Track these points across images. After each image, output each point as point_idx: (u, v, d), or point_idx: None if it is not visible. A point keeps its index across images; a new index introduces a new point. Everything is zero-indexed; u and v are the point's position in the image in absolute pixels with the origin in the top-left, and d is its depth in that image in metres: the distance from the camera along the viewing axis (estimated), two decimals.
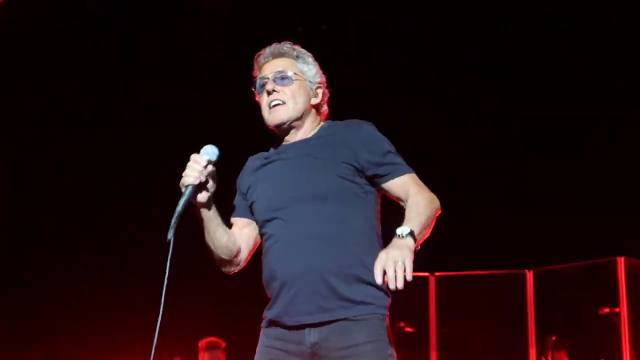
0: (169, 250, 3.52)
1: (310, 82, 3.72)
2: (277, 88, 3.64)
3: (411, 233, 3.22)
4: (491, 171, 9.10)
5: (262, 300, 3.58)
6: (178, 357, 9.06)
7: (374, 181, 3.53)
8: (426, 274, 9.24)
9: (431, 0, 9.49)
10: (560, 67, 9.44)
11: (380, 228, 3.55)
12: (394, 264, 3.09)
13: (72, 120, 10.10)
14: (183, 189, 3.54)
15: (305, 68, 3.73)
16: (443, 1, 9.51)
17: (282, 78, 3.67)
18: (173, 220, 3.53)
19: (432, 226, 3.40)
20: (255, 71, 3.80)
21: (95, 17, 9.78)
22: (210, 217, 3.62)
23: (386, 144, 3.56)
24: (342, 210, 3.45)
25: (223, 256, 3.67)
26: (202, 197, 3.56)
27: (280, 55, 3.76)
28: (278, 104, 3.63)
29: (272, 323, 3.50)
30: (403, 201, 3.47)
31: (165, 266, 3.61)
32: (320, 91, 3.74)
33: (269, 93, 3.65)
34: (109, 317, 9.86)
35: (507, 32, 9.43)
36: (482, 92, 9.61)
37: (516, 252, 9.55)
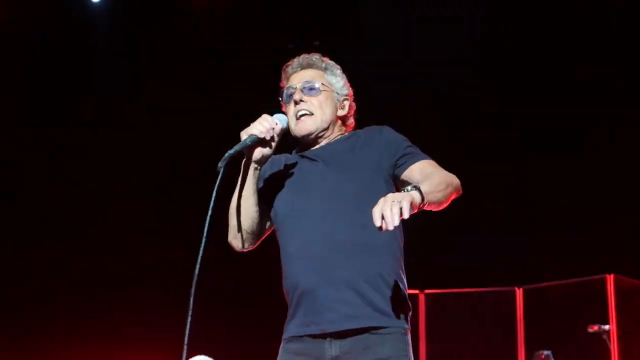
0: (216, 180, 3.38)
1: (337, 93, 3.73)
2: (305, 98, 3.64)
3: (417, 188, 3.19)
4: (489, 172, 9.07)
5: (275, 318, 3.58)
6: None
7: (395, 177, 3.53)
8: (416, 291, 9.23)
9: (431, 0, 9.54)
10: (560, 67, 9.43)
11: (403, 238, 3.54)
12: (390, 204, 3.04)
13: (73, 120, 10.11)
14: (243, 137, 3.47)
15: (333, 80, 3.73)
16: (443, 1, 9.54)
17: (310, 88, 3.67)
18: (226, 155, 3.40)
19: (448, 197, 3.37)
20: (282, 81, 3.80)
21: (94, 16, 9.80)
22: (252, 179, 3.53)
23: (405, 141, 3.58)
24: (366, 218, 3.30)
25: (244, 226, 3.59)
26: (257, 153, 3.49)
27: (309, 66, 3.75)
28: (305, 114, 3.62)
29: (294, 335, 3.44)
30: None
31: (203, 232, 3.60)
32: (347, 103, 3.75)
33: (296, 103, 3.65)
34: (109, 318, 9.84)
35: (507, 32, 9.43)
36: (482, 92, 9.60)
37: (506, 269, 9.56)
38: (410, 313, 3.47)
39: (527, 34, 9.49)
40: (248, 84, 9.74)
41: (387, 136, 3.59)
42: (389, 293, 3.38)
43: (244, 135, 3.48)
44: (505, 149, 9.74)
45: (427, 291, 9.39)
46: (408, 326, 3.43)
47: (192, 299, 3.33)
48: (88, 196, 10.08)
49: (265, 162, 3.55)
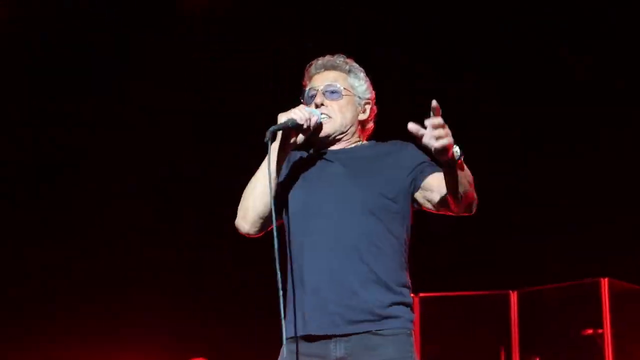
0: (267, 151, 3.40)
1: (359, 97, 3.71)
2: (326, 102, 3.63)
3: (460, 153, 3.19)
4: (486, 173, 8.99)
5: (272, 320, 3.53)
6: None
7: (415, 191, 3.51)
8: (411, 295, 9.22)
9: (431, 0, 9.51)
10: (560, 67, 9.44)
11: (408, 243, 3.56)
12: (445, 131, 3.05)
13: (72, 120, 10.10)
14: (282, 119, 3.44)
15: (356, 83, 3.71)
16: (443, 1, 9.51)
17: (331, 92, 3.65)
18: (271, 129, 3.39)
19: (471, 192, 3.34)
20: (305, 80, 3.77)
21: (89, 17, 9.82)
22: (277, 164, 3.48)
23: (427, 158, 3.51)
24: (378, 226, 3.43)
25: (257, 209, 3.52)
26: (292, 138, 3.50)
27: (333, 67, 3.72)
28: (325, 118, 3.60)
29: (295, 335, 3.42)
30: (437, 190, 3.43)
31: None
32: (368, 107, 3.74)
33: (317, 106, 3.62)
34: (109, 318, 9.86)
35: (507, 32, 9.41)
36: (482, 92, 9.62)
37: (500, 273, 9.55)
38: (414, 315, 3.50)
39: (527, 34, 9.48)
40: (246, 84, 9.79)
41: (410, 152, 3.57)
42: (394, 297, 3.41)
43: (283, 117, 3.45)
44: (505, 149, 9.74)
45: (421, 294, 9.37)
46: (413, 327, 3.46)
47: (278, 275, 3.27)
48: (87, 196, 10.07)
49: (289, 149, 3.54)
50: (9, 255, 9.97)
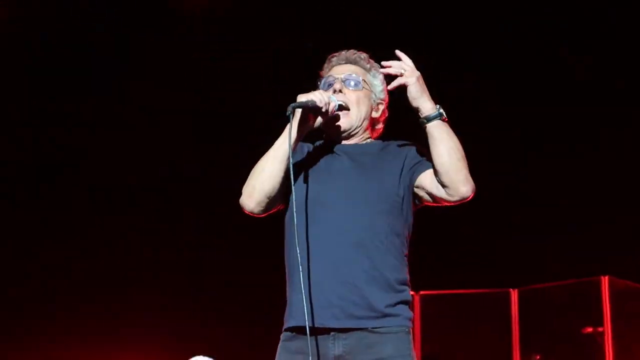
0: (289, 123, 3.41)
1: (375, 95, 3.72)
2: (345, 90, 3.64)
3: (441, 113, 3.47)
4: (485, 173, 8.99)
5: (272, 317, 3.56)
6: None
7: (414, 186, 3.54)
8: (411, 292, 9.23)
9: (431, 0, 9.52)
10: (560, 67, 9.46)
11: (408, 248, 3.56)
12: (406, 66, 3.49)
13: (72, 120, 10.10)
14: (301, 99, 3.44)
15: (374, 82, 3.74)
16: (443, 1, 9.52)
17: (351, 81, 3.67)
18: (292, 105, 3.39)
19: (461, 160, 3.44)
20: (324, 70, 3.79)
21: (89, 17, 9.83)
22: (291, 144, 3.41)
23: (428, 154, 3.52)
24: (383, 223, 3.45)
25: (265, 188, 3.49)
26: (311, 119, 3.51)
27: (354, 62, 3.76)
28: (341, 105, 3.59)
29: (294, 330, 3.41)
30: (433, 178, 3.50)
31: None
32: (381, 107, 3.76)
33: (335, 92, 3.62)
34: (108, 318, 9.86)
35: (507, 32, 9.41)
36: (482, 92, 9.64)
37: (501, 271, 9.56)
38: (412, 314, 3.52)
39: (527, 34, 9.48)
40: (246, 84, 9.78)
41: (414, 150, 3.61)
42: (394, 294, 3.42)
43: (303, 97, 3.45)
44: (505, 149, 9.75)
45: (422, 292, 9.38)
46: (411, 325, 3.47)
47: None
48: (87, 196, 10.09)
49: (305, 131, 3.54)
50: (9, 255, 9.96)
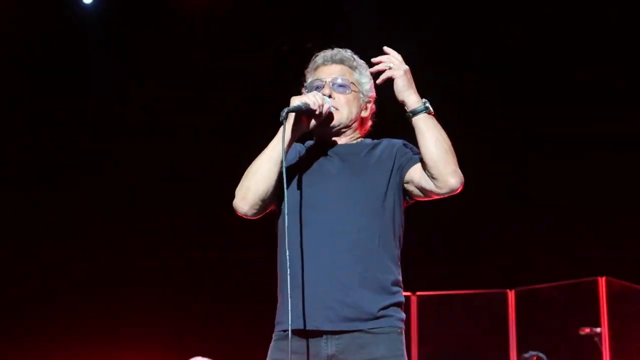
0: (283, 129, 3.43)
1: (363, 94, 3.70)
2: (334, 94, 3.61)
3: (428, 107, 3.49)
4: (483, 173, 8.97)
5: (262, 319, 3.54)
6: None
7: (404, 183, 3.54)
8: (408, 293, 9.18)
9: (431, 1, 9.56)
10: (560, 67, 9.43)
11: (401, 242, 3.56)
12: (394, 60, 3.52)
13: (72, 120, 10.12)
14: (295, 102, 3.44)
15: (362, 80, 3.71)
16: (443, 1, 9.56)
17: (340, 85, 3.64)
18: (286, 110, 3.40)
19: (448, 153, 3.43)
20: (308, 70, 3.75)
21: (89, 17, 9.83)
22: (285, 146, 3.42)
23: (416, 149, 3.53)
24: (375, 224, 3.44)
25: (259, 190, 3.48)
26: (304, 121, 3.50)
27: (340, 61, 3.71)
28: (334, 109, 3.59)
29: (286, 332, 3.35)
30: (421, 172, 3.50)
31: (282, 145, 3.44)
32: (369, 105, 3.74)
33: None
34: (108, 318, 9.87)
35: (507, 32, 9.43)
36: (482, 92, 9.64)
37: (497, 271, 9.58)
38: (404, 315, 3.49)
39: (527, 34, 9.49)
40: (246, 84, 9.80)
41: (402, 148, 3.60)
42: (387, 296, 3.41)
43: (297, 100, 3.44)
44: (505, 149, 9.77)
45: (419, 293, 9.35)
46: (403, 326, 3.45)
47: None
48: (87, 196, 10.07)
49: (297, 134, 3.52)
50: (9, 255, 9.97)
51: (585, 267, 8.90)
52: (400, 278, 3.51)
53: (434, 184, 3.44)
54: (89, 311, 9.86)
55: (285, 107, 3.44)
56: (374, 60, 3.56)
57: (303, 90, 3.74)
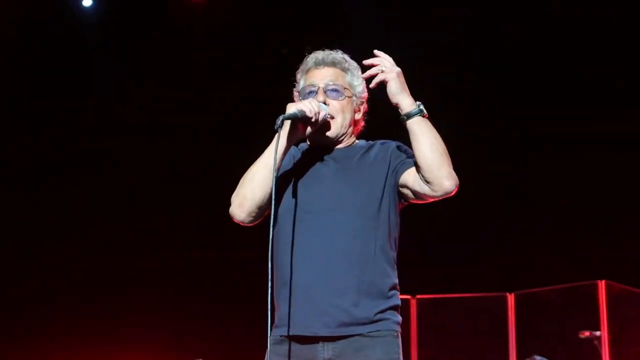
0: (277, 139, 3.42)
1: (356, 97, 3.67)
2: (328, 101, 3.57)
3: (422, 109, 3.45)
4: (482, 176, 8.96)
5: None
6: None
7: (399, 184, 3.52)
8: (408, 296, 9.15)
9: (431, 1, 9.56)
10: (560, 67, 9.42)
11: (397, 246, 3.54)
12: (386, 64, 3.46)
13: (72, 120, 10.12)
14: (291, 109, 3.41)
15: (355, 82, 3.67)
16: (443, 1, 9.56)
17: (333, 90, 3.60)
18: (281, 118, 3.37)
19: (443, 156, 3.41)
20: (300, 72, 3.71)
21: (89, 17, 9.82)
22: (281, 154, 3.42)
23: (410, 151, 3.51)
24: (370, 228, 3.42)
25: (255, 197, 3.45)
26: (300, 129, 3.47)
27: (332, 64, 3.66)
28: (329, 116, 3.55)
29: (283, 336, 3.39)
30: (415, 174, 3.48)
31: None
32: (362, 107, 3.71)
33: None
34: (108, 318, 9.87)
35: (507, 32, 9.43)
36: (482, 92, 9.63)
37: (497, 275, 9.55)
38: (401, 318, 3.48)
39: (528, 34, 9.48)
40: (246, 84, 9.81)
41: (396, 150, 3.58)
42: (384, 301, 3.40)
43: (292, 107, 3.41)
44: (505, 149, 9.76)
45: (419, 296, 9.34)
46: (399, 329, 3.44)
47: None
48: (87, 196, 10.07)
49: (293, 141, 3.49)
50: (9, 255, 9.96)
51: (585, 270, 8.90)
52: (397, 281, 3.49)
53: (429, 187, 3.42)
54: (89, 311, 9.86)
55: (281, 112, 3.43)
56: (365, 62, 3.51)
57: (294, 92, 3.73)
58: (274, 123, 3.35)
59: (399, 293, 3.50)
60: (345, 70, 3.67)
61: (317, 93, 3.59)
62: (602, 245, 9.15)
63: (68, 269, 9.98)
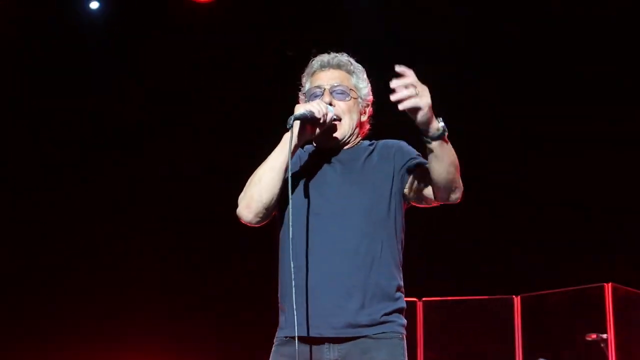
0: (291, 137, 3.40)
1: (362, 99, 3.68)
2: (334, 102, 3.58)
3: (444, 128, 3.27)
4: (485, 176, 9.04)
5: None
6: None
7: (405, 185, 3.52)
8: (414, 299, 9.19)
9: (431, 0, 9.54)
10: (560, 66, 9.41)
11: (403, 247, 3.56)
12: (415, 90, 3.15)
13: (71, 120, 10.11)
14: (300, 110, 3.41)
15: (360, 84, 3.68)
16: (443, 1, 9.53)
17: (339, 92, 3.61)
18: (292, 117, 3.37)
19: (456, 171, 3.37)
20: (305, 76, 3.73)
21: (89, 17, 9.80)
22: (289, 155, 3.41)
23: (417, 153, 3.54)
24: (377, 230, 3.44)
25: (263, 199, 3.47)
26: (308, 130, 3.47)
27: (338, 66, 3.67)
28: (334, 120, 3.56)
29: (288, 338, 3.41)
30: (423, 179, 3.47)
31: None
32: (367, 109, 3.72)
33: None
34: (108, 318, 9.86)
35: (507, 32, 9.43)
36: (482, 92, 9.62)
37: (504, 277, 9.54)
38: (406, 321, 3.50)
39: (528, 34, 9.48)
40: (246, 84, 9.79)
41: (402, 150, 3.59)
42: (390, 303, 3.41)
43: (301, 108, 3.42)
44: (505, 149, 9.74)
45: (425, 299, 9.35)
46: (405, 332, 3.45)
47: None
48: (87, 196, 10.07)
49: (301, 142, 3.51)
50: (9, 255, 9.95)
51: (592, 273, 8.87)
52: (402, 283, 3.51)
53: (437, 197, 3.46)
54: (89, 311, 9.86)
55: (282, 111, 3.47)
56: (393, 85, 3.19)
57: (300, 95, 3.74)
58: (286, 122, 3.37)
59: (404, 295, 3.51)
60: (350, 72, 3.69)
61: (323, 94, 3.60)
62: (608, 247, 9.11)
63: (68, 269, 9.96)
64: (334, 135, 3.58)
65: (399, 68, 3.17)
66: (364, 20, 9.28)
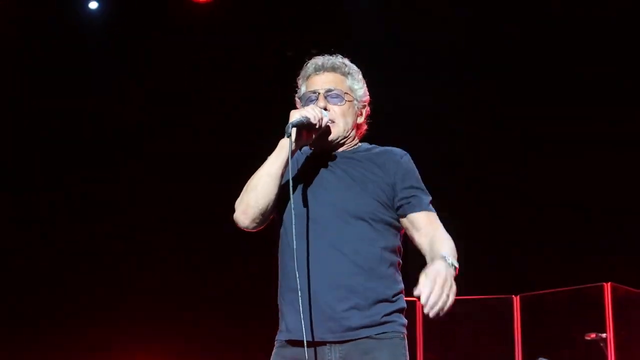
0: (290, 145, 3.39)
1: (357, 101, 3.66)
2: (329, 106, 3.58)
3: (454, 266, 3.22)
4: (485, 176, 9.02)
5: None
6: None
7: (399, 211, 3.52)
8: (413, 299, 9.18)
9: (431, 1, 9.54)
10: (560, 67, 9.41)
11: (401, 253, 3.57)
12: (445, 287, 3.10)
13: (71, 120, 10.11)
14: (295, 116, 3.40)
15: (355, 86, 3.67)
16: (443, 1, 9.54)
17: (334, 96, 3.61)
18: (290, 124, 3.36)
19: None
20: (300, 79, 3.72)
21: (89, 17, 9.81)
22: (285, 160, 3.42)
23: (419, 179, 3.57)
24: (374, 233, 3.44)
25: (259, 204, 3.46)
26: (305, 135, 3.46)
27: (332, 69, 3.66)
28: (328, 123, 3.55)
29: (289, 341, 3.42)
30: (423, 234, 3.46)
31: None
32: (364, 110, 3.71)
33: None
34: (108, 318, 9.84)
35: (507, 32, 9.44)
36: (482, 92, 9.61)
37: (503, 277, 9.56)
38: (406, 320, 3.52)
39: (528, 34, 9.49)
40: (246, 85, 9.81)
41: (405, 164, 3.59)
42: (390, 304, 3.43)
43: (296, 114, 3.41)
44: (505, 149, 9.72)
45: None
46: (405, 331, 3.47)
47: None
48: (87, 196, 10.09)
49: (297, 147, 3.50)
50: (10, 255, 9.94)
51: (591, 272, 8.87)
52: (402, 286, 3.53)
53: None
54: (89, 311, 9.84)
55: (282, 111, 3.45)
56: (427, 311, 3.19)
57: (296, 98, 3.74)
58: (279, 117, 3.40)
59: (404, 296, 3.53)
60: (345, 74, 3.67)
61: (317, 99, 3.59)
62: (608, 247, 9.11)
63: (68, 270, 9.95)
64: (329, 138, 3.57)
65: (423, 287, 3.12)
66: (364, 21, 9.28)
